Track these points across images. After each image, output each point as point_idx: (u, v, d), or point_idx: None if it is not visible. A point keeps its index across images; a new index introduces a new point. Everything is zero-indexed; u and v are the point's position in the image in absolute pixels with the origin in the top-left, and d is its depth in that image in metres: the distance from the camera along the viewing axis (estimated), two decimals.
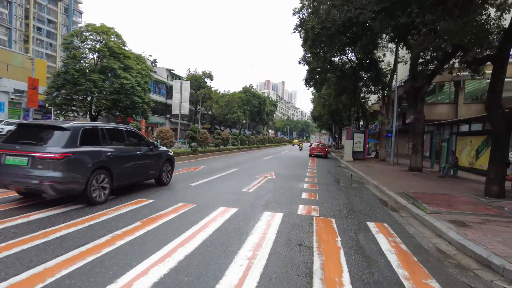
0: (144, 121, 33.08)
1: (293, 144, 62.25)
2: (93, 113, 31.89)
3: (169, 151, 8.36)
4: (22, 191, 5.64)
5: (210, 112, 55.81)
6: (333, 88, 30.92)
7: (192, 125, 17.69)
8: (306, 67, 27.68)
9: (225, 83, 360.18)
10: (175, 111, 16.02)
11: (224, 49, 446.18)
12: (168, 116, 48.59)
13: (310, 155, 25.56)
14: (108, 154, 5.73)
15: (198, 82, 45.63)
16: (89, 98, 29.11)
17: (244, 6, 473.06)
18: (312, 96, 49.02)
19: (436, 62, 13.57)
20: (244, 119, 65.87)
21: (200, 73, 46.64)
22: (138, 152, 6.72)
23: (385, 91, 20.77)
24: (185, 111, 16.05)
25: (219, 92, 60.33)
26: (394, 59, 20.50)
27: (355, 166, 16.67)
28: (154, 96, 38.59)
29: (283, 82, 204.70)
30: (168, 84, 48.71)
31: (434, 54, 13.29)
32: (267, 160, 19.00)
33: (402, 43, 15.76)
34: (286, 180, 10.06)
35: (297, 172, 12.97)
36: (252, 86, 72.25)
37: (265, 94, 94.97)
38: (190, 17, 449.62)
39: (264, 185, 8.83)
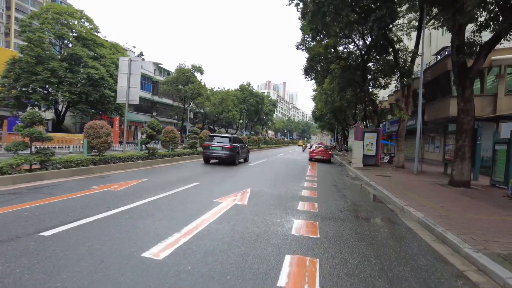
0: (117, 118, 28.67)
1: (298, 145, 69.38)
2: (59, 109, 27.59)
3: (247, 147, 18.14)
4: (212, 159, 14.30)
5: (202, 111, 51.54)
6: (337, 82, 26.49)
7: (153, 120, 13.41)
8: (306, 55, 23.37)
9: (225, 83, 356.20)
10: (120, 99, 11.58)
11: (224, 49, 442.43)
12: (154, 114, 44.34)
13: (310, 159, 21.22)
14: (238, 146, 14.74)
15: (186, 77, 41.24)
16: (53, 91, 24.81)
17: (245, 6, 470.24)
18: (313, 93, 44.51)
19: (494, 26, 9.16)
20: (241, 119, 61.56)
21: (190, 67, 42.13)
22: (243, 147, 16.23)
23: (404, 79, 16.39)
24: (135, 99, 11.60)
25: (215, 90, 56.13)
26: (416, 36, 16.11)
27: (370, 176, 12.30)
28: None
29: (284, 83, 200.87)
30: (154, 79, 44.40)
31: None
32: (252, 166, 14.66)
33: (437, 7, 11.44)
34: (264, 210, 5.72)
35: (288, 188, 8.63)
36: (249, 84, 67.73)
37: (265, 94, 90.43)
38: (193, 18, 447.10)
39: (212, 228, 4.48)
